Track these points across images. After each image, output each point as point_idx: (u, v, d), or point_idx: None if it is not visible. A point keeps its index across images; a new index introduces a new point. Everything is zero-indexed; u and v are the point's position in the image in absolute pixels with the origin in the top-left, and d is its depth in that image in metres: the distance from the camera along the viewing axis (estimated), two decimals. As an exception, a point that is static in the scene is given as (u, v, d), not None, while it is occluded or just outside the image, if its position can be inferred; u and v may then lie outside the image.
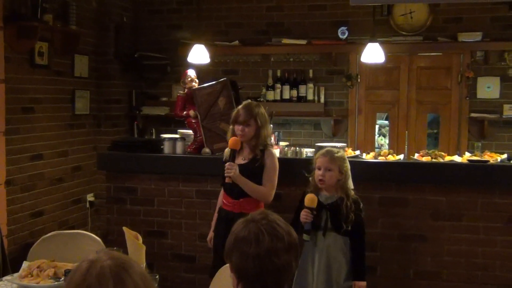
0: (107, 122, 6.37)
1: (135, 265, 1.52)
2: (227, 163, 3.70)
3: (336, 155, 3.58)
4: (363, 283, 3.55)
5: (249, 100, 4.08)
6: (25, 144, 5.20)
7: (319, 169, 3.58)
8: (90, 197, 6.23)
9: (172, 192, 4.70)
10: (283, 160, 4.43)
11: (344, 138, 6.40)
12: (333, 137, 6.38)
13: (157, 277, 2.78)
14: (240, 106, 3.86)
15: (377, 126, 7.04)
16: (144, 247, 2.75)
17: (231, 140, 3.74)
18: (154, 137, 6.37)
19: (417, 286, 4.34)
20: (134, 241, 2.72)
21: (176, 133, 4.98)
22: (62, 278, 2.59)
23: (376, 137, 7.09)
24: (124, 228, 2.79)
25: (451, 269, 4.28)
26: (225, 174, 3.68)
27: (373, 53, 4.81)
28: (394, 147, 6.24)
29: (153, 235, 4.75)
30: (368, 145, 6.31)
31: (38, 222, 5.39)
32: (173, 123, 5.94)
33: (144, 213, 4.76)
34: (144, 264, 2.73)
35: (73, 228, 5.91)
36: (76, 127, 5.98)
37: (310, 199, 3.48)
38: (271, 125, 4.80)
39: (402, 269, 4.36)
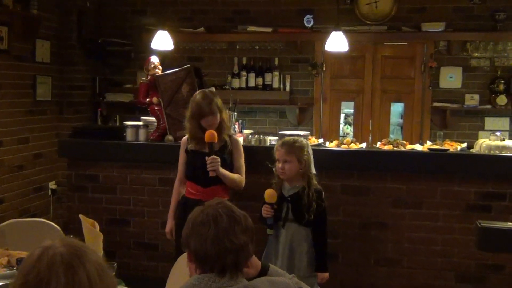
0: (70, 109, 6.27)
1: (90, 253, 1.49)
2: (210, 157, 3.62)
3: (294, 145, 3.55)
4: (326, 274, 3.56)
5: (205, 90, 4.02)
6: (-16, 131, 5.09)
7: (278, 161, 3.57)
8: (52, 185, 6.14)
9: (135, 179, 4.66)
10: (247, 148, 4.42)
11: (309, 127, 6.42)
12: (298, 125, 6.39)
13: (115, 265, 2.75)
14: (198, 97, 3.80)
15: (343, 115, 7.08)
16: (101, 235, 2.72)
17: (207, 133, 3.64)
18: (118, 124, 6.29)
19: (377, 273, 4.40)
20: (91, 229, 2.69)
21: (140, 120, 4.92)
22: (16, 267, 2.54)
23: (342, 125, 7.14)
24: (81, 216, 2.75)
25: (411, 256, 4.35)
26: (209, 169, 3.62)
27: (337, 42, 4.82)
28: (359, 136, 6.29)
29: (115, 223, 4.71)
30: (333, 134, 6.34)
31: (-3, 210, 5.30)
32: (137, 110, 5.86)
33: (106, 201, 4.71)
34: (101, 253, 2.69)
35: (34, 216, 5.81)
36: (37, 113, 5.87)
37: (269, 194, 3.47)
38: (235, 113, 4.81)
39: (363, 256, 4.41)
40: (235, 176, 3.76)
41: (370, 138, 6.13)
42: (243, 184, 3.82)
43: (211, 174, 3.64)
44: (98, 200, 4.72)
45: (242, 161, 3.84)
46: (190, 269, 1.88)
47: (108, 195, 4.70)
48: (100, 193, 4.71)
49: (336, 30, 4.82)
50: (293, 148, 3.53)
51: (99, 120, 6.52)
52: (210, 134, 3.66)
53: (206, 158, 3.64)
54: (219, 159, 3.66)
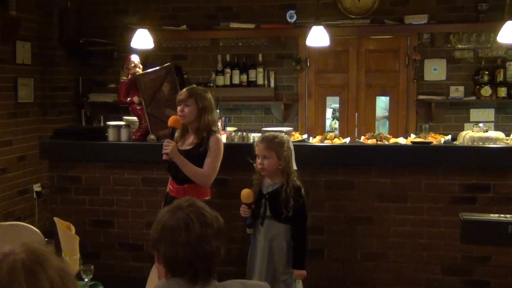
0: (53, 110, 6.22)
1: (52, 259, 1.46)
2: (165, 140, 3.67)
3: (273, 141, 3.52)
4: (302, 272, 3.52)
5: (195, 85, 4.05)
6: (-35, 134, 5.03)
7: (258, 157, 3.55)
8: (37, 187, 6.08)
9: (118, 180, 4.61)
10: (230, 146, 4.40)
11: (295, 122, 6.39)
12: (284, 121, 6.37)
13: (91, 267, 2.73)
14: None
15: (330, 110, 7.05)
16: (77, 238, 2.69)
17: (171, 118, 3.74)
18: (102, 124, 6.24)
19: (364, 268, 4.38)
20: (67, 232, 2.65)
21: (122, 120, 4.88)
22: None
23: (330, 120, 7.11)
24: (56, 219, 2.72)
25: (396, 250, 4.33)
26: (163, 151, 3.63)
27: (318, 37, 4.78)
28: (345, 130, 6.28)
29: (99, 225, 4.66)
30: (319, 129, 6.32)
31: (-19, 214, 5.25)
32: (121, 110, 5.81)
33: (90, 203, 4.66)
34: (77, 255, 2.66)
35: (19, 219, 5.76)
36: (19, 115, 5.82)
37: (245, 195, 3.49)
38: (217, 111, 4.76)
39: (349, 252, 4.38)
40: (197, 169, 3.69)
41: (356, 132, 6.14)
42: (208, 180, 3.75)
43: (164, 157, 3.66)
44: (81, 202, 4.67)
45: (213, 158, 3.73)
46: (159, 270, 1.84)
47: (91, 196, 4.65)
48: (83, 194, 4.66)
49: (316, 25, 4.78)
50: (273, 144, 3.50)
51: (84, 121, 6.48)
52: (173, 119, 3.72)
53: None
54: (173, 143, 3.67)
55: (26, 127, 5.90)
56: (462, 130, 5.47)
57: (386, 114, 6.48)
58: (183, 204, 1.85)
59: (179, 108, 3.76)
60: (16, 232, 3.32)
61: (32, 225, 5.75)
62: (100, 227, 4.65)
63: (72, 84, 6.49)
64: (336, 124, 7.03)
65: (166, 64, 4.55)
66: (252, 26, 6.15)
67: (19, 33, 5.59)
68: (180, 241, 1.75)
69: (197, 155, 3.71)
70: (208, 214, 1.84)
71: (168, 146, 3.65)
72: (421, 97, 6.12)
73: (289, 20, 6.15)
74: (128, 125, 4.67)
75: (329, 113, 7.12)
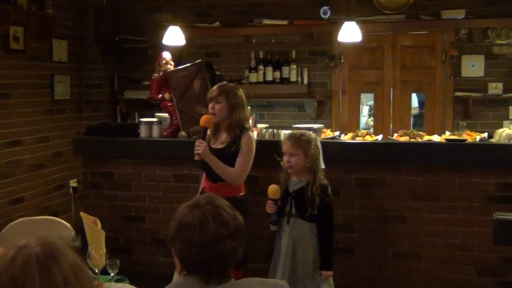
0: (89, 107, 6.31)
1: (66, 253, 1.46)
2: (197, 141, 3.66)
3: (300, 138, 3.48)
4: (329, 273, 3.47)
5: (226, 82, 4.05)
6: (2, 130, 5.14)
7: (285, 154, 3.51)
8: (73, 183, 6.18)
9: (149, 176, 4.65)
10: (260, 142, 4.38)
11: (329, 120, 6.33)
12: (317, 118, 6.31)
13: (117, 262, 2.74)
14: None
15: (367, 107, 6.96)
16: (103, 232, 2.70)
17: (202, 118, 3.74)
18: (136, 121, 6.29)
19: (396, 267, 4.30)
20: (93, 226, 2.67)
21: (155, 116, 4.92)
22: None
23: (366, 118, 7.02)
24: (82, 214, 2.74)
25: (429, 249, 4.24)
26: (195, 152, 3.64)
27: (350, 32, 4.72)
28: (379, 128, 6.18)
29: (131, 220, 4.71)
30: (353, 126, 6.22)
31: (18, 209, 5.34)
32: (156, 107, 5.85)
33: (122, 198, 4.72)
34: (104, 250, 2.68)
35: (55, 214, 5.86)
36: (56, 112, 5.92)
37: (272, 190, 3.46)
38: (249, 107, 4.75)
39: (380, 251, 4.32)
40: (227, 167, 3.67)
41: (391, 129, 6.04)
42: (239, 179, 3.72)
43: (196, 157, 3.67)
44: (114, 197, 4.72)
45: (245, 157, 3.70)
46: (176, 266, 1.83)
47: (123, 192, 4.70)
48: (116, 190, 4.72)
49: (349, 20, 4.72)
50: (300, 141, 3.46)
51: (119, 118, 6.55)
52: (204, 119, 3.72)
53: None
54: (205, 143, 3.66)
55: (62, 124, 6.00)
56: (501, 127, 5.32)
57: (417, 110, 6.38)
58: (201, 202, 1.82)
59: (210, 105, 3.76)
60: (47, 226, 3.36)
61: (68, 220, 5.87)
62: (132, 223, 4.70)
63: (108, 81, 6.57)
64: (372, 122, 6.94)
65: (197, 61, 4.55)
66: (285, 22, 6.11)
67: (55, 31, 5.68)
68: (194, 240, 1.72)
69: (229, 154, 3.69)
70: (226, 214, 1.79)
71: (199, 147, 3.65)
72: (458, 94, 5.98)
73: (322, 16, 6.08)
74: (160, 121, 4.70)
75: (365, 110, 7.03)
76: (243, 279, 1.88)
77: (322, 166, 3.57)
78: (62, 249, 1.47)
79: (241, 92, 3.81)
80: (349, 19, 4.83)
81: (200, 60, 4.57)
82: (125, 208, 4.71)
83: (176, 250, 1.79)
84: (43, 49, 5.68)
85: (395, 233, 4.27)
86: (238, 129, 3.73)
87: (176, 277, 2.68)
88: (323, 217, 3.43)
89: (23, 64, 5.38)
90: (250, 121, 4.75)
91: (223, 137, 3.78)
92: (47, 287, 1.37)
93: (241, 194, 3.76)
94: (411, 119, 6.32)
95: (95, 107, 6.37)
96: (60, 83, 5.95)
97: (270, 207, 3.46)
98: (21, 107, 5.37)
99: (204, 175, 3.92)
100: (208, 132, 3.78)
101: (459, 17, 5.77)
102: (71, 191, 6.17)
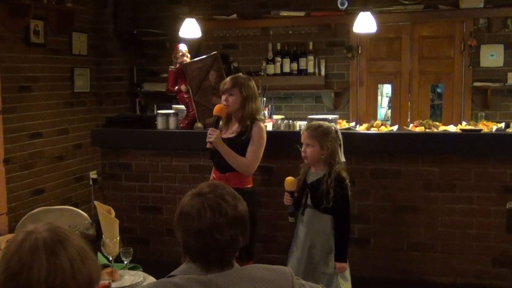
0: (108, 100, 6.39)
1: (72, 238, 1.51)
2: (210, 129, 3.71)
3: (317, 130, 3.47)
4: (343, 265, 3.44)
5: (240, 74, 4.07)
6: (24, 123, 5.24)
7: (302, 144, 3.53)
8: (93, 175, 6.27)
9: (166, 167, 4.71)
10: (275, 133, 4.43)
11: (346, 111, 6.33)
12: (335, 110, 6.30)
13: (131, 250, 2.80)
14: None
15: (387, 99, 6.91)
16: (117, 221, 2.76)
17: (216, 107, 3.77)
18: (155, 113, 6.36)
19: (411, 257, 4.30)
20: (107, 215, 2.73)
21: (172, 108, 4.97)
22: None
23: (386, 109, 6.98)
24: (96, 202, 2.80)
25: (445, 240, 4.23)
26: (207, 139, 3.68)
27: (365, 23, 4.70)
28: (397, 118, 6.16)
29: (148, 211, 4.78)
30: (371, 117, 6.18)
31: (39, 199, 5.45)
32: (174, 99, 5.91)
33: (139, 189, 4.79)
34: (117, 238, 2.73)
35: (76, 205, 5.97)
36: (76, 105, 6.01)
37: (289, 183, 3.48)
38: (264, 99, 4.78)
39: (395, 241, 4.32)
40: (238, 157, 3.69)
41: (409, 120, 6.01)
42: (251, 169, 3.73)
43: (208, 145, 3.71)
44: (131, 188, 4.79)
45: (256, 147, 3.71)
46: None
47: (140, 183, 4.77)
48: (133, 181, 4.79)
49: (364, 11, 4.71)
50: (316, 133, 3.45)
51: (138, 110, 6.63)
52: (218, 108, 3.75)
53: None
54: (218, 132, 3.70)
55: (82, 116, 6.09)
56: (521, 118, 5.28)
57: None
58: (204, 190, 1.83)
59: (223, 97, 3.79)
60: (64, 215, 3.44)
61: (88, 210, 6.00)
62: (149, 213, 4.77)
63: (127, 74, 6.64)
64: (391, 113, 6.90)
65: (213, 53, 4.59)
66: (302, 14, 6.11)
67: (74, 24, 5.75)
68: (192, 229, 1.75)
69: (239, 143, 3.72)
70: (225, 203, 1.79)
71: (212, 135, 3.69)
72: (476, 84, 5.92)
73: (340, 7, 6.05)
74: (176, 113, 4.75)
75: (385, 102, 6.99)
76: (248, 265, 1.91)
77: (343, 159, 3.53)
78: (68, 234, 1.51)
79: (253, 84, 3.84)
80: (366, 9, 4.81)
81: (215, 52, 4.61)
82: (142, 199, 4.78)
83: (179, 238, 1.82)
84: (63, 42, 5.77)
85: (410, 224, 4.27)
86: (249, 120, 3.75)
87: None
88: (338, 210, 3.42)
89: (43, 57, 5.47)
90: (266, 112, 4.80)
91: (234, 127, 3.81)
92: (54, 271, 1.41)
93: (249, 186, 3.78)
94: (429, 109, 6.28)
95: (115, 99, 6.44)
96: (80, 76, 6.03)
97: (287, 199, 3.50)
98: (41, 100, 5.46)
99: (213, 168, 3.96)
100: (221, 122, 3.81)
101: (478, 6, 5.70)
102: (91, 182, 6.26)
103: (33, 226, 1.52)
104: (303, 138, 3.53)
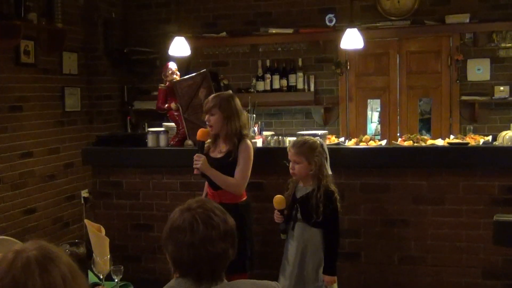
0: (99, 118, 6.41)
1: (62, 256, 1.53)
2: (195, 155, 3.72)
3: (303, 146, 3.49)
4: (332, 278, 3.46)
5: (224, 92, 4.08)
6: (14, 142, 5.25)
7: (290, 161, 3.56)
8: (84, 193, 6.27)
9: (157, 185, 4.72)
10: (265, 150, 4.45)
11: (336, 126, 6.38)
12: (325, 125, 6.36)
13: (121, 268, 2.81)
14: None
15: (377, 114, 6.97)
16: (107, 239, 2.77)
17: (199, 132, 3.79)
18: (146, 131, 6.38)
19: (402, 271, 4.32)
20: (97, 233, 2.74)
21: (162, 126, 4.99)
22: None
23: (376, 124, 7.04)
24: (86, 221, 2.82)
25: (435, 253, 4.25)
26: (194, 166, 3.69)
27: (352, 39, 4.76)
28: (386, 133, 6.22)
29: (139, 229, 4.78)
30: (360, 132, 6.24)
31: (31, 219, 5.45)
32: (165, 116, 5.94)
33: (130, 207, 4.79)
34: (108, 256, 2.74)
35: (67, 224, 5.98)
36: (67, 124, 6.03)
37: (277, 201, 3.51)
38: (254, 115, 4.81)
39: (386, 255, 4.34)
40: (227, 178, 3.70)
41: (398, 135, 6.06)
42: (240, 189, 3.74)
43: (195, 172, 3.73)
44: (123, 206, 4.80)
45: (242, 167, 3.71)
46: (171, 267, 1.89)
47: (131, 201, 4.77)
48: (124, 199, 4.79)
49: (351, 27, 4.77)
50: (303, 149, 3.48)
51: (129, 128, 6.65)
52: (200, 132, 3.77)
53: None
54: (203, 157, 3.70)
55: (73, 135, 6.11)
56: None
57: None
58: (193, 205, 1.87)
59: (206, 117, 3.80)
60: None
61: (80, 230, 6.00)
62: (140, 231, 4.77)
63: (117, 93, 6.67)
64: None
65: (202, 70, 4.63)
66: (291, 31, 6.18)
67: (65, 44, 5.79)
68: (185, 242, 1.78)
69: (227, 165, 3.73)
70: (216, 217, 1.84)
71: (198, 161, 3.70)
72: (464, 98, 5.99)
73: (328, 23, 6.14)
74: (167, 131, 4.77)
75: (375, 116, 7.05)
76: (235, 281, 1.93)
77: (330, 172, 3.57)
78: (58, 252, 1.54)
79: (235, 101, 3.81)
80: (353, 26, 4.88)
81: (205, 70, 4.65)
82: (133, 217, 4.78)
83: (169, 253, 1.84)
84: (54, 62, 5.80)
85: (400, 237, 4.30)
86: (236, 138, 3.75)
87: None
88: (327, 224, 3.45)
89: (34, 77, 5.50)
90: (256, 129, 4.83)
91: (221, 146, 3.82)
92: (48, 287, 1.44)
93: (243, 199, 3.81)
94: (418, 123, 6.34)
95: (106, 118, 6.47)
96: (71, 95, 6.06)
97: (277, 217, 3.54)
98: (32, 119, 5.48)
99: (206, 183, 3.98)
100: (206, 144, 3.83)
101: (463, 22, 5.79)
102: (82, 201, 6.26)
103: (20, 245, 1.54)
104: (290, 155, 3.56)
